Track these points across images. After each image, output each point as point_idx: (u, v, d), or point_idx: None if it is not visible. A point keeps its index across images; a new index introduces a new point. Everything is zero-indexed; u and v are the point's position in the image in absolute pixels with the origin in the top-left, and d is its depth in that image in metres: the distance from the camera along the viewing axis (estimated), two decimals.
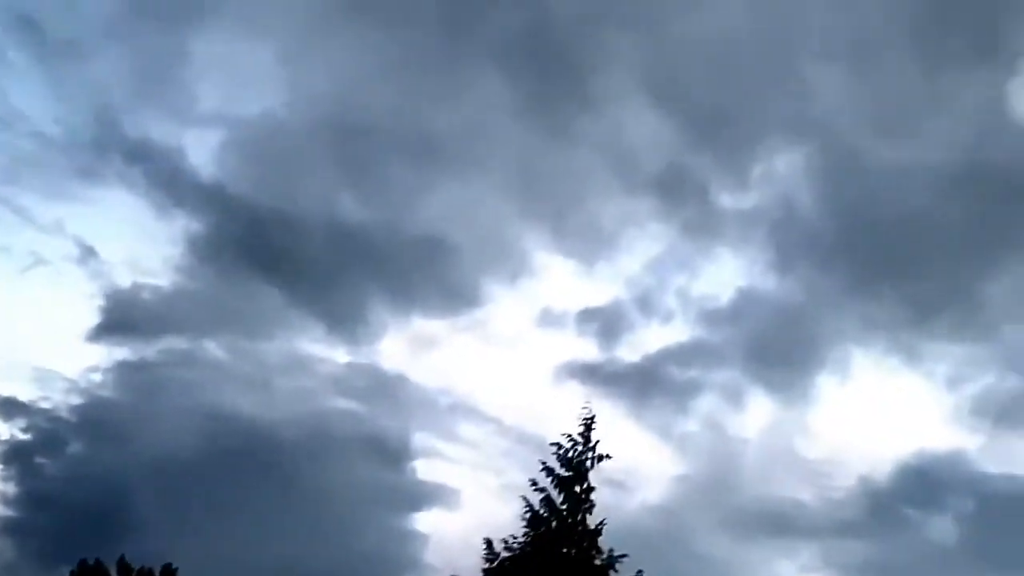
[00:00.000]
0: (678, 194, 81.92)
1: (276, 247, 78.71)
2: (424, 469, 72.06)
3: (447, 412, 77.00)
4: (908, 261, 75.82)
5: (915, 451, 71.11)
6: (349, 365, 78.55)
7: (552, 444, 29.15)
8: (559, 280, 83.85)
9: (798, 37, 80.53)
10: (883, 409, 76.89)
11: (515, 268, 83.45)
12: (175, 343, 76.57)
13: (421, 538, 65.60)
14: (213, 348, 77.05)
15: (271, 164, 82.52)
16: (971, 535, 64.54)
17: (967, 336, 75.13)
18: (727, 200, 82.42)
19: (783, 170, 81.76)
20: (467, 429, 75.89)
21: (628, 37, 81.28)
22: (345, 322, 79.82)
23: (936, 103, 78.57)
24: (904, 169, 75.41)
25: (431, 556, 62.55)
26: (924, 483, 69.02)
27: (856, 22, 78.51)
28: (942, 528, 66.30)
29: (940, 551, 64.73)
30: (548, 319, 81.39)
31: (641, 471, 65.73)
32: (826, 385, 76.30)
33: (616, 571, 28.78)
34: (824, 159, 79.69)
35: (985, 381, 74.78)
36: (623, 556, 28.78)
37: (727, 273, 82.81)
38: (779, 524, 69.62)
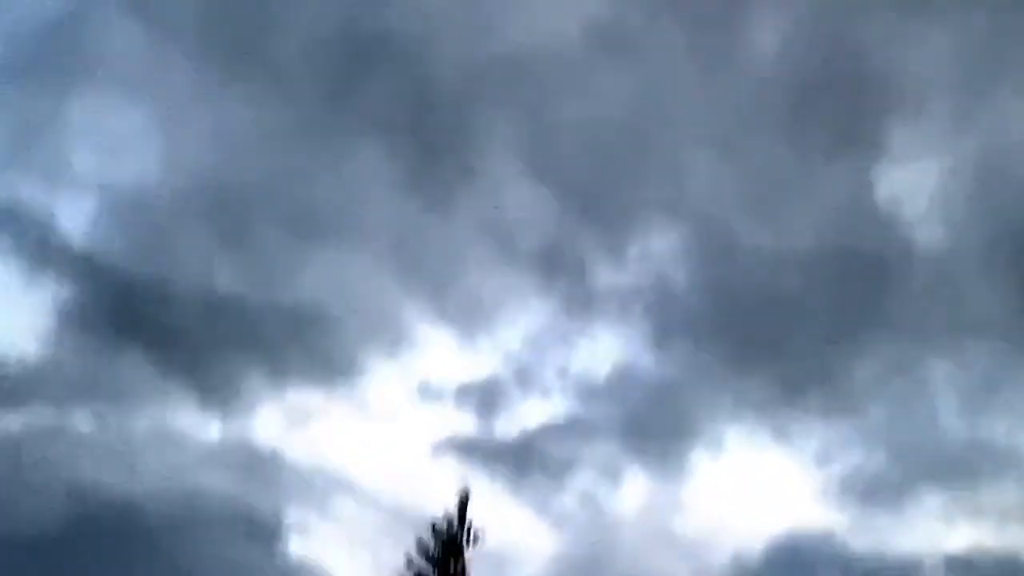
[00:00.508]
0: (557, 270, 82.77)
1: (148, 317, 76.72)
2: (297, 547, 70.36)
3: (322, 488, 75.43)
4: (779, 340, 77.76)
5: (786, 529, 72.25)
6: (221, 439, 76.60)
7: (429, 521, 29.02)
8: (438, 353, 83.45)
9: (674, 123, 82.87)
10: (755, 486, 78.14)
11: (394, 340, 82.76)
12: (40, 415, 73.56)
13: None
14: (80, 420, 74.26)
15: (145, 232, 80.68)
16: None
17: (834, 414, 77.18)
18: (605, 277, 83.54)
19: (659, 250, 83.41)
20: (343, 505, 74.47)
21: (509, 115, 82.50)
22: (218, 395, 77.84)
23: (804, 189, 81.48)
24: (775, 252, 77.79)
25: None
26: (795, 561, 70.04)
27: (729, 111, 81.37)
28: None
29: None
30: (427, 393, 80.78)
31: (518, 549, 65.25)
32: (700, 462, 77.30)
33: None
34: (698, 240, 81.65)
35: (852, 459, 76.72)
36: None
37: (605, 349, 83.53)
38: None
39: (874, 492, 73.37)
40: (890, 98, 78.85)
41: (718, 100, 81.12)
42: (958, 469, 71.10)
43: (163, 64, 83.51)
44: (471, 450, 75.29)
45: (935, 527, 71.45)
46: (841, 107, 78.41)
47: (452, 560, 28.76)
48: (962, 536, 71.23)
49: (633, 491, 76.00)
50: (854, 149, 79.08)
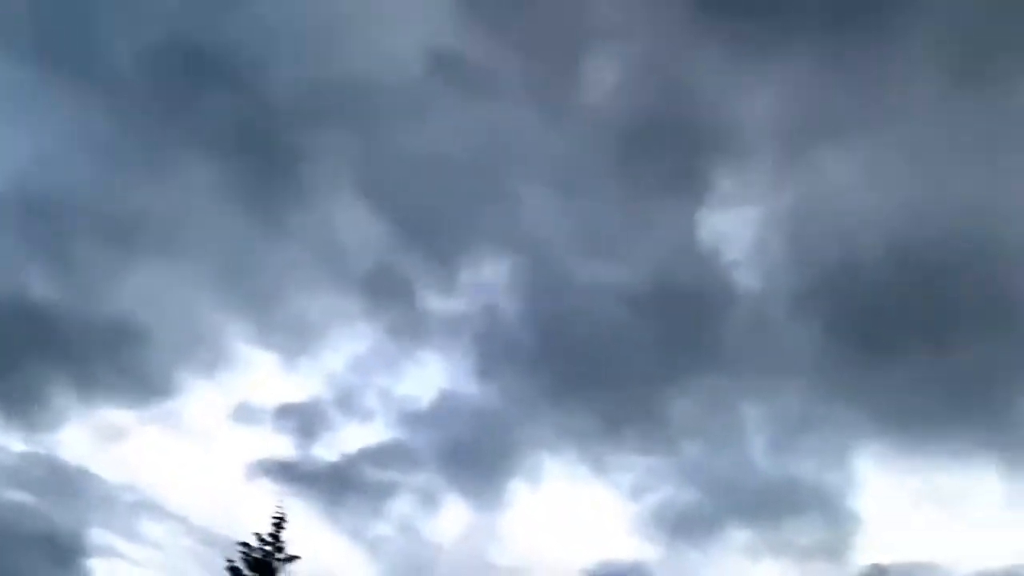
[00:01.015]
0: (385, 294, 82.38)
1: None
2: (101, 570, 67.48)
3: (130, 508, 72.60)
4: (600, 375, 79.31)
5: (600, 560, 73.38)
6: (24, 455, 72.98)
7: (240, 544, 28.28)
8: (259, 374, 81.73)
9: (510, 157, 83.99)
10: (573, 517, 79.25)
11: (213, 359, 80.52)
12: None
13: None
14: None
15: None
16: None
17: (651, 449, 79.06)
18: (434, 303, 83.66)
19: (489, 279, 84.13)
20: (151, 527, 71.84)
21: (344, 136, 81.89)
22: (23, 408, 74.22)
23: (633, 228, 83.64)
24: (602, 287, 79.39)
25: None
26: None
27: (563, 148, 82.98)
28: None
29: None
30: (245, 413, 78.93)
31: (332, 574, 64.28)
32: (519, 491, 77.99)
33: None
34: (529, 272, 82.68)
35: (665, 493, 78.64)
36: None
37: (430, 376, 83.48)
38: None
39: (684, 526, 75.45)
40: (717, 145, 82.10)
41: (554, 137, 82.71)
42: (765, 506, 73.81)
43: None
44: (288, 473, 73.92)
45: (741, 562, 73.91)
46: (671, 151, 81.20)
47: None
48: (766, 571, 73.92)
49: (451, 519, 75.99)
50: (682, 191, 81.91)
